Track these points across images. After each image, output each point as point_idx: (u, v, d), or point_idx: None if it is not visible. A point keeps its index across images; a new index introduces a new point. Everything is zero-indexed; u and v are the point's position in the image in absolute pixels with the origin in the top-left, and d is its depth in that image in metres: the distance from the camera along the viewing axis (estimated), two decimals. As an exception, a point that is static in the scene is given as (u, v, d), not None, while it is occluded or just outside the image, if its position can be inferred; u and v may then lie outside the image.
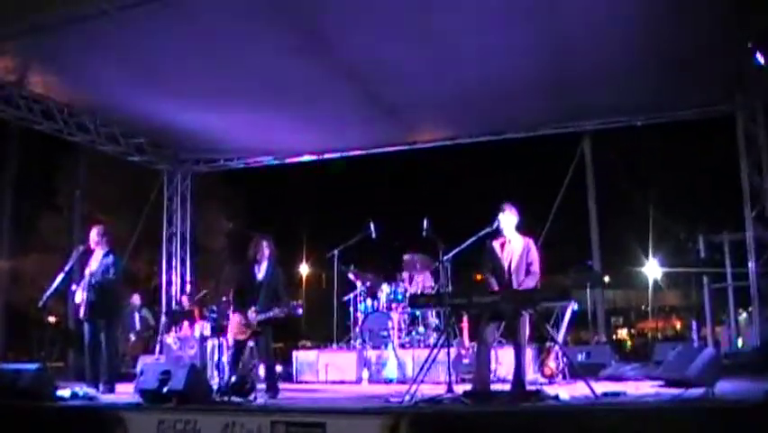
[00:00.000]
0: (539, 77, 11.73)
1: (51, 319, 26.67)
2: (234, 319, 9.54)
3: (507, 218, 8.54)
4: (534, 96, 12.61)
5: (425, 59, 11.27)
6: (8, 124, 13.58)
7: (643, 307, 35.65)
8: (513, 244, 8.52)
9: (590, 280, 13.96)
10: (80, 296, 10.13)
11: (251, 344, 9.89)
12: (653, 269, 24.33)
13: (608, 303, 23.24)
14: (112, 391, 9.87)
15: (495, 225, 8.53)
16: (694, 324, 17.33)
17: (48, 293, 10.51)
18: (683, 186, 25.17)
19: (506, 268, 8.46)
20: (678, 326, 32.85)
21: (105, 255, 10.25)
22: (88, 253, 10.39)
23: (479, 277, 9.14)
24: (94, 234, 10.38)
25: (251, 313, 9.29)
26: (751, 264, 12.71)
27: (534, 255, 8.51)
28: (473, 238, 8.69)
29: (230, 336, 11.00)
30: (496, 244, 8.58)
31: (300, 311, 9.48)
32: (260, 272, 9.54)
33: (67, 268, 10.40)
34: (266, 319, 9.29)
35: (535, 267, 8.45)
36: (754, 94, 12.35)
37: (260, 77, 11.77)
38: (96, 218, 19.85)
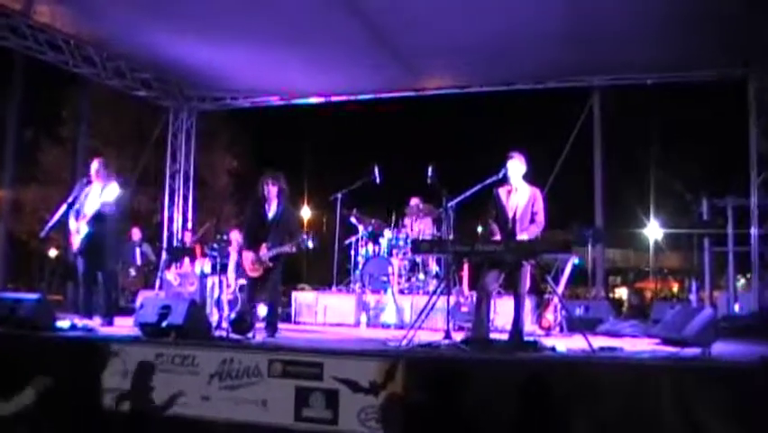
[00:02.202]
0: (552, 27, 11.56)
1: (53, 252, 26.80)
2: (246, 257, 9.66)
3: (515, 166, 8.47)
4: (546, 48, 12.44)
5: (439, 4, 11.12)
6: (13, 52, 13.42)
7: (642, 267, 35.82)
8: (519, 192, 8.48)
9: (593, 236, 13.93)
10: (74, 226, 10.10)
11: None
12: (654, 230, 24.38)
13: (607, 262, 23.28)
14: (110, 324, 9.89)
15: (502, 173, 8.49)
16: (693, 285, 17.41)
17: (50, 225, 10.49)
18: (690, 148, 25.14)
19: (510, 216, 8.43)
20: (675, 288, 33.02)
21: (104, 188, 10.21)
22: (90, 185, 10.35)
23: (480, 229, 9.11)
24: (95, 166, 10.33)
25: (263, 249, 9.44)
26: (753, 230, 12.70)
27: (540, 205, 8.48)
28: (479, 186, 8.65)
29: (230, 276, 11.08)
30: (502, 192, 8.54)
31: (311, 244, 9.60)
32: (271, 211, 9.65)
33: (69, 200, 10.36)
34: (277, 254, 9.43)
35: (540, 217, 8.42)
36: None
37: (269, 14, 11.58)
38: (99, 152, 19.80)
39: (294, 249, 9.53)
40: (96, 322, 9.69)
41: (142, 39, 13.03)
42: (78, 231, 10.01)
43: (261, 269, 9.52)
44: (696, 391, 6.09)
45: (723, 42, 11.80)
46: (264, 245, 9.45)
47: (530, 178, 8.63)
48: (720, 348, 7.69)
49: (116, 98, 22.18)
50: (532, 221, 8.40)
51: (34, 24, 12.62)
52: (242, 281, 11.67)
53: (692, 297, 17.33)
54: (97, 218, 10.01)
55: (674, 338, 8.17)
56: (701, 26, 11.10)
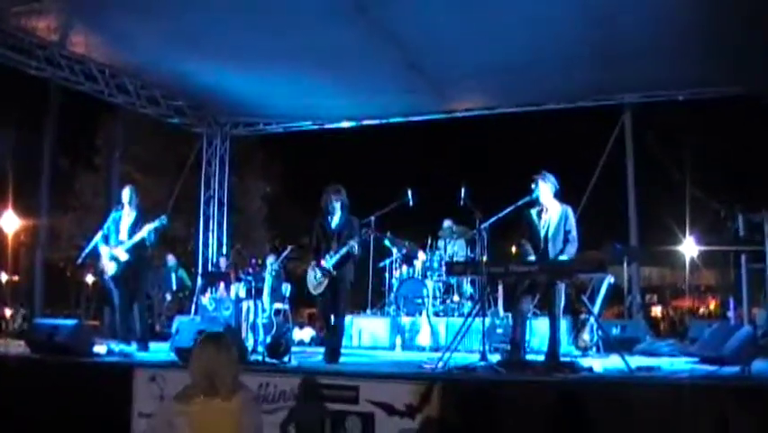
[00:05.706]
0: (582, 47, 11.56)
1: (89, 278, 27.02)
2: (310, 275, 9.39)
3: (545, 186, 8.46)
4: (576, 67, 12.45)
5: (467, 28, 11.14)
6: (49, 82, 13.62)
7: (677, 285, 35.41)
8: (550, 211, 8.46)
9: (628, 254, 13.81)
10: (105, 251, 10.18)
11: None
12: (689, 247, 24.10)
13: (643, 280, 23.02)
14: (145, 349, 9.97)
15: (534, 194, 8.47)
16: (731, 302, 17.16)
17: (85, 252, 10.62)
18: (724, 163, 24.90)
19: (542, 235, 8.41)
20: (712, 305, 32.60)
21: (137, 215, 10.30)
22: (122, 211, 10.43)
23: (514, 249, 9.07)
24: (126, 193, 10.43)
25: (323, 261, 9.18)
26: (791, 245, 12.50)
27: (573, 222, 8.45)
28: (512, 207, 8.63)
29: (266, 300, 11.09)
30: (533, 212, 8.53)
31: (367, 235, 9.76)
32: (334, 222, 9.42)
33: (105, 227, 10.46)
34: (339, 260, 9.14)
35: (573, 233, 8.37)
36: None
37: (300, 39, 11.64)
38: (133, 178, 19.97)
39: (353, 248, 9.16)
40: (132, 347, 9.78)
41: (176, 67, 13.19)
42: (114, 257, 10.09)
43: (325, 281, 9.18)
44: (736, 409, 6.01)
45: (753, 55, 11.70)
46: (326, 256, 9.19)
47: (562, 197, 8.61)
48: (760, 366, 7.60)
49: (149, 125, 22.36)
50: (566, 240, 8.35)
51: (70, 55, 12.81)
52: (278, 306, 11.70)
53: (730, 314, 17.08)
54: (135, 246, 10.10)
55: (713, 357, 8.11)
56: (728, 40, 11.03)
